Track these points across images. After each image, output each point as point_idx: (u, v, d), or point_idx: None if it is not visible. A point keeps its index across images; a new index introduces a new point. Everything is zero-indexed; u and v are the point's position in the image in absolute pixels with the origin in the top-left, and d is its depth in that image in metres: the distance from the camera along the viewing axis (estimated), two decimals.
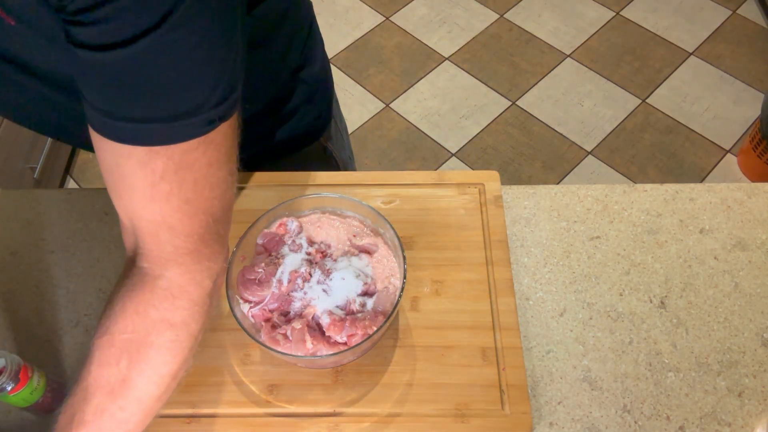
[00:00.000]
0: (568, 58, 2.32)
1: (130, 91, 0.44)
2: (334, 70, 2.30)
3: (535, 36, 2.39)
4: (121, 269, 0.54)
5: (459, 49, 2.36)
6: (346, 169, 0.99)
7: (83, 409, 0.50)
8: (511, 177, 2.01)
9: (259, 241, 0.71)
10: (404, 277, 0.65)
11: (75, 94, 0.48)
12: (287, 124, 0.83)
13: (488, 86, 2.25)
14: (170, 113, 0.44)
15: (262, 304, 0.66)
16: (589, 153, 2.06)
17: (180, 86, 0.44)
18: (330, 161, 0.95)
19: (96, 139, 0.47)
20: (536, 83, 2.25)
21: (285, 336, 0.64)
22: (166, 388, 0.52)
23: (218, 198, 0.51)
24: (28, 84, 0.58)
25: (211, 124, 0.46)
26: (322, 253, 0.70)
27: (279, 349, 0.62)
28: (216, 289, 0.55)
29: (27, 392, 0.62)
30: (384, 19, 2.46)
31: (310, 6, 0.82)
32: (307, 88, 0.83)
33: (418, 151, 2.09)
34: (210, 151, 0.48)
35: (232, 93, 0.47)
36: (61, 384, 0.67)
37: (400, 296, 0.64)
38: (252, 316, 0.66)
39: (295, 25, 0.76)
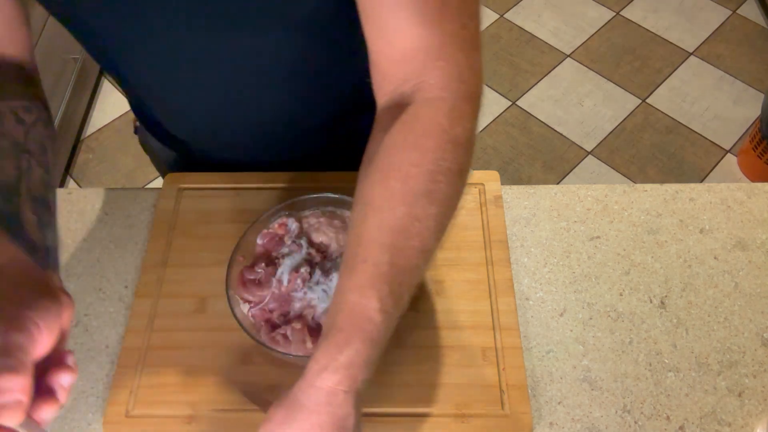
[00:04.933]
0: (568, 58, 2.32)
1: None
2: None
3: (535, 36, 2.39)
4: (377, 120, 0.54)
5: None
6: None
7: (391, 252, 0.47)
8: (511, 177, 2.01)
9: (259, 241, 0.71)
10: None
11: None
12: None
13: (488, 86, 2.25)
14: None
15: (262, 304, 0.66)
16: (589, 153, 2.06)
17: None
18: None
19: None
20: (536, 83, 2.25)
21: (285, 336, 0.64)
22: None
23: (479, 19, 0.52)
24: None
25: None
26: (322, 253, 0.70)
27: (279, 349, 0.62)
28: None
29: None
30: None
31: None
32: None
33: None
34: None
35: None
36: None
37: None
38: (252, 316, 0.66)
39: None
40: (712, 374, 0.69)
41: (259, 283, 0.67)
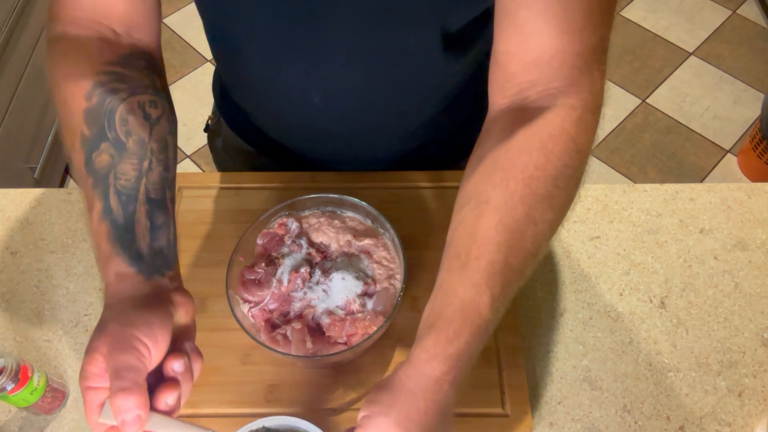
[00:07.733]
0: None
1: None
2: None
3: None
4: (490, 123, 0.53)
5: None
6: None
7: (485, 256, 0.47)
8: None
9: (259, 241, 0.71)
10: (404, 277, 0.65)
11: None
12: None
13: None
14: None
15: (262, 304, 0.66)
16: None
17: None
18: None
19: None
20: None
21: (285, 336, 0.64)
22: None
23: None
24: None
25: None
26: (322, 253, 0.70)
27: (279, 349, 0.62)
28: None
29: (27, 392, 0.62)
30: None
31: None
32: None
33: None
34: None
35: None
36: (61, 384, 0.67)
37: (400, 296, 0.64)
38: (252, 316, 0.66)
39: None
40: (712, 374, 0.69)
41: (259, 283, 0.67)
